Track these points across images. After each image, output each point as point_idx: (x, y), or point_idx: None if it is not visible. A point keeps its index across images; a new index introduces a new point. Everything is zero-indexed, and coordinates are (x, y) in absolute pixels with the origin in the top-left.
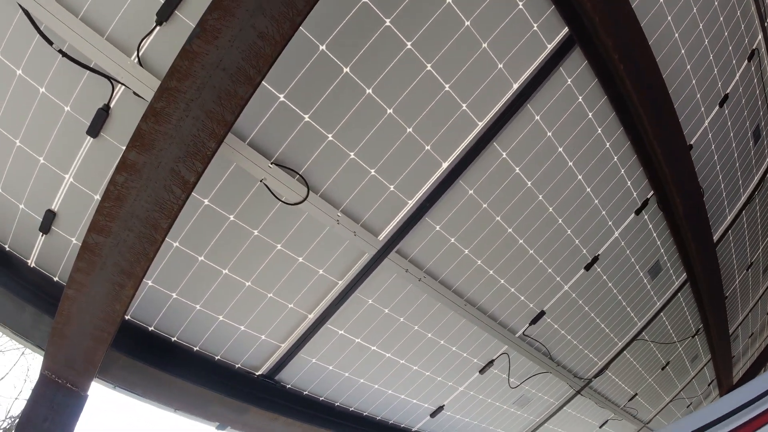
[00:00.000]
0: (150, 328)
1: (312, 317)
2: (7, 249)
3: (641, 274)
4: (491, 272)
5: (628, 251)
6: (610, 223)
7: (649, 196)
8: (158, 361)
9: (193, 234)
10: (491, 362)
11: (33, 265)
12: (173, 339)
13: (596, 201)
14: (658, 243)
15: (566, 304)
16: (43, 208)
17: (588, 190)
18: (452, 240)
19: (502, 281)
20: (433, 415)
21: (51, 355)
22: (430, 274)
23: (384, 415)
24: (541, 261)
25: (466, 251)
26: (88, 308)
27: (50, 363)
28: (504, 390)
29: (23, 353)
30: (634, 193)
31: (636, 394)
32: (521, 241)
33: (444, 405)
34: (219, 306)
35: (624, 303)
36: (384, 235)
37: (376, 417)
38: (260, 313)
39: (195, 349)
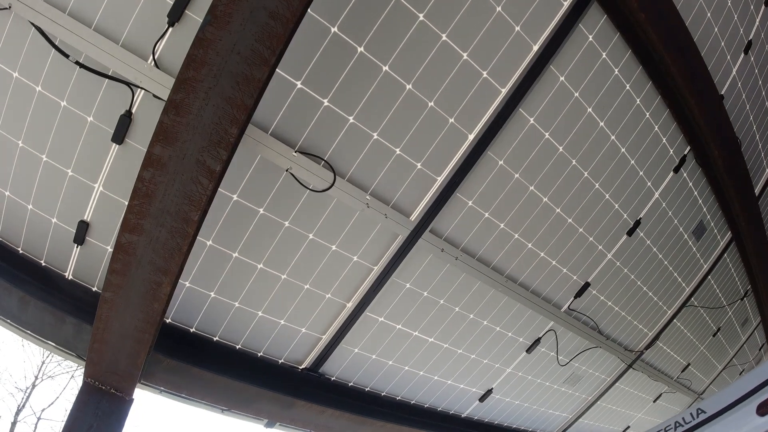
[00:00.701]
0: (191, 330)
1: (350, 306)
2: (44, 264)
3: (685, 236)
4: (530, 245)
5: (670, 213)
6: (649, 183)
7: (686, 152)
8: (202, 361)
9: (225, 231)
10: (538, 340)
11: (71, 277)
12: (215, 338)
13: (632, 161)
14: (700, 201)
15: (611, 273)
16: (76, 219)
17: (623, 150)
18: (486, 214)
19: (542, 254)
20: (481, 399)
21: (93, 362)
22: (466, 252)
23: (431, 402)
24: (581, 230)
25: (502, 225)
26: (126, 310)
27: (92, 370)
28: (553, 369)
29: (72, 376)
30: (671, 150)
31: (689, 365)
32: (558, 210)
33: (492, 388)
34: (257, 301)
35: (670, 268)
36: (416, 215)
37: (423, 404)
38: (298, 305)
39: (237, 347)
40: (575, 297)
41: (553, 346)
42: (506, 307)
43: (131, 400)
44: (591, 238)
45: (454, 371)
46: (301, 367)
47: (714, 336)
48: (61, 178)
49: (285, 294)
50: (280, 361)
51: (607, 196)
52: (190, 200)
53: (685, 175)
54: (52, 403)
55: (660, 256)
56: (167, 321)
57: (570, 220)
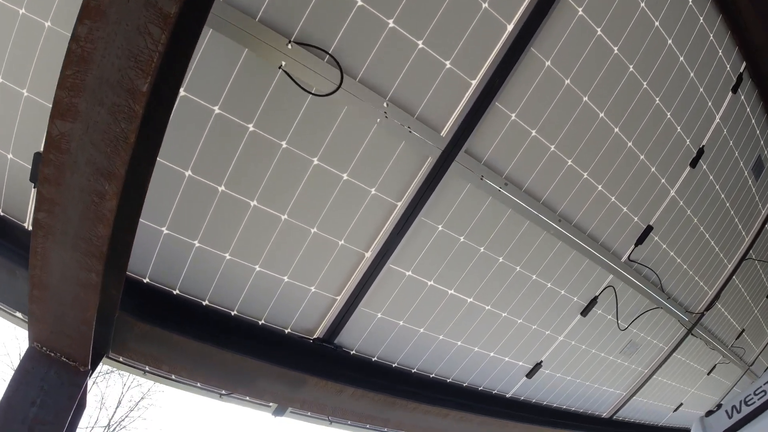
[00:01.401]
0: (175, 292)
1: (370, 255)
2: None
3: (745, 172)
4: (585, 175)
5: (731, 142)
6: (709, 104)
7: (741, 70)
8: (189, 330)
9: (206, 156)
10: (594, 300)
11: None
12: (204, 302)
13: (692, 74)
14: (758, 132)
15: (674, 215)
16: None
17: (681, 59)
18: (533, 132)
19: (600, 187)
20: (529, 375)
21: (35, 318)
22: (511, 182)
23: (472, 380)
24: (642, 156)
25: (552, 147)
26: (65, 237)
27: (37, 330)
28: (610, 336)
29: (95, 382)
30: (727, 66)
31: (743, 331)
32: (617, 130)
33: (542, 361)
34: (253, 252)
35: (732, 212)
36: (447, 129)
37: (462, 383)
38: (305, 256)
39: (233, 313)
40: (636, 245)
41: (610, 307)
42: (559, 257)
43: (87, 372)
44: (653, 168)
45: (498, 340)
46: (312, 338)
47: (767, 297)
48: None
49: (287, 240)
50: (286, 331)
51: (669, 115)
52: (136, 61)
53: (743, 97)
54: None
55: (722, 195)
56: (145, 281)
57: (630, 144)
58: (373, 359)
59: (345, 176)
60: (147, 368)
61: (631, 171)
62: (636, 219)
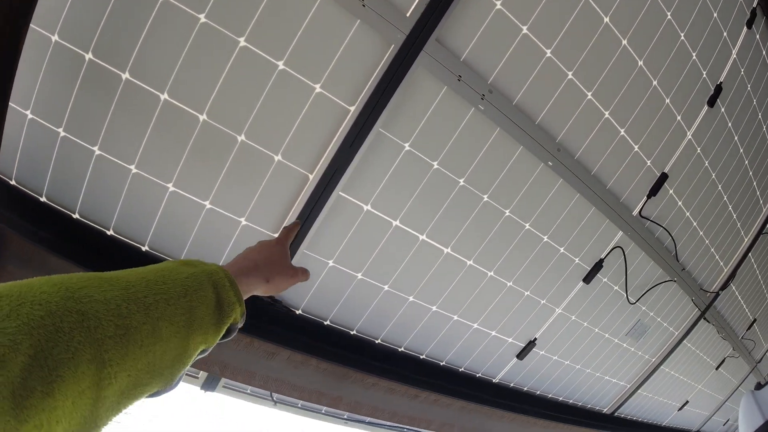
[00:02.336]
0: (41, 199)
1: (314, 178)
2: None
3: (764, 127)
4: (589, 95)
5: (749, 87)
6: (725, 34)
7: (755, 4)
8: (62, 249)
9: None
10: (600, 263)
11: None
12: (75, 216)
13: None
14: None
15: (691, 163)
16: None
17: None
18: (524, 29)
19: (607, 114)
20: (520, 355)
21: None
22: (498, 91)
23: (450, 359)
24: (655, 82)
25: (548, 53)
26: None
27: None
28: (616, 312)
29: None
30: None
31: (755, 320)
32: (625, 42)
33: (536, 339)
34: (163, 164)
35: (751, 173)
36: (413, 8)
37: (439, 362)
38: (230, 174)
39: (144, 248)
40: (649, 196)
41: (617, 276)
42: (559, 201)
43: None
44: (668, 100)
45: (483, 308)
46: None
47: None
48: None
49: (207, 151)
50: None
51: (682, 36)
52: None
53: (758, 37)
54: None
55: (741, 150)
56: (11, 183)
57: (641, 63)
58: (326, 323)
59: (281, 65)
60: None
61: (642, 98)
62: (649, 163)
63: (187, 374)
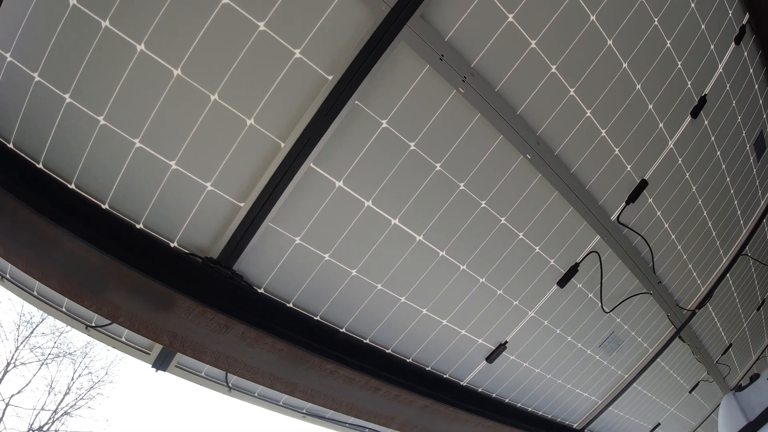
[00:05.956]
0: (9, 145)
1: (286, 147)
2: None
3: (747, 146)
4: (572, 92)
5: (734, 103)
6: (712, 47)
7: (744, 22)
8: (25, 196)
9: None
10: (575, 266)
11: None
12: (39, 165)
13: (692, 4)
14: (761, 101)
15: (671, 174)
16: None
17: None
18: (510, 17)
19: (589, 113)
20: (489, 358)
21: None
22: (480, 75)
23: (417, 356)
24: (638, 86)
25: (533, 43)
26: None
27: None
28: (590, 321)
29: (44, 363)
30: (729, 12)
31: (731, 345)
32: (610, 42)
33: (506, 342)
34: (131, 119)
35: (732, 191)
36: None
37: (405, 358)
38: (201, 133)
39: (104, 207)
40: (627, 202)
41: (592, 283)
42: (536, 197)
43: None
44: (650, 106)
45: (454, 303)
46: (203, 257)
47: (758, 310)
48: None
49: (178, 107)
50: (172, 245)
51: (669, 44)
52: None
53: (746, 54)
54: (20, 390)
55: (723, 166)
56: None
57: (625, 65)
58: (289, 305)
59: (262, 25)
60: None
61: (626, 101)
62: (629, 168)
63: (138, 349)
